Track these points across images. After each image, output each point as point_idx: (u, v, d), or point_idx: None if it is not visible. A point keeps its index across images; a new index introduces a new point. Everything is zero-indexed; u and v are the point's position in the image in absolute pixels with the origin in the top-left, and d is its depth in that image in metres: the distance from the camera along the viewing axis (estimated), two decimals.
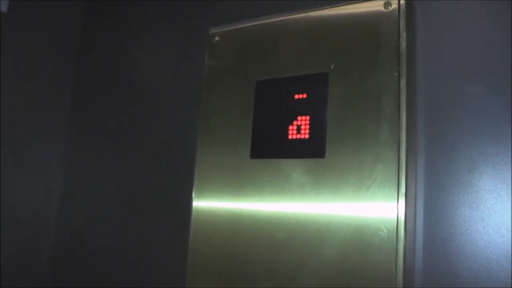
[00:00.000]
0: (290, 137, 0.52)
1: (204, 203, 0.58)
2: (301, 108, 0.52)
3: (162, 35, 0.79)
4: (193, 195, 0.59)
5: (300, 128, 0.51)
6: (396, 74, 0.48)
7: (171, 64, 0.76)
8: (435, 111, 0.52)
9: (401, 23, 0.49)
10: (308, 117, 0.51)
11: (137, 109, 0.78)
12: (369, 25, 0.51)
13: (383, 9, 0.50)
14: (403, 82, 0.48)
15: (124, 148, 0.78)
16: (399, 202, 0.45)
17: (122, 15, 0.86)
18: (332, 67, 0.51)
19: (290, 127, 0.52)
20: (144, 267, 0.71)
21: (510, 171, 0.48)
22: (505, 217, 0.47)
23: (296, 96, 0.53)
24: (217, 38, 0.61)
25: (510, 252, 0.46)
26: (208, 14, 0.73)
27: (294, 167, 0.51)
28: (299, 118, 0.52)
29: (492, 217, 0.48)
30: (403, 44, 0.49)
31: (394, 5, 0.50)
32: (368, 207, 0.47)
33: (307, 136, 0.51)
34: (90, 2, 0.91)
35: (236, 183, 0.55)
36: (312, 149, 0.50)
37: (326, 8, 0.54)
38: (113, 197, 0.77)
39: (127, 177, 0.76)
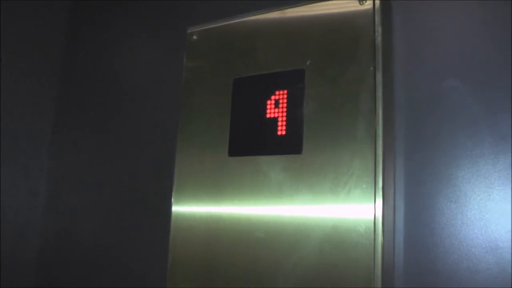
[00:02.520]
0: (267, 133, 0.52)
1: (184, 204, 0.57)
2: (277, 105, 0.52)
3: (145, 35, 0.79)
4: (172, 196, 0.59)
5: (276, 124, 0.51)
6: (371, 68, 0.48)
7: (153, 65, 0.75)
8: (413, 106, 0.53)
9: (376, 17, 0.49)
10: (284, 114, 0.51)
11: (121, 111, 0.78)
12: (344, 20, 0.51)
13: (358, 4, 0.50)
14: (378, 76, 0.48)
15: (108, 149, 0.78)
16: (376, 197, 0.45)
17: (106, 16, 0.85)
18: (308, 63, 0.51)
19: (267, 124, 0.52)
20: (127, 268, 0.70)
21: (487, 164, 0.48)
22: (483, 210, 0.47)
23: (273, 93, 0.52)
24: (195, 37, 0.61)
25: (488, 244, 0.46)
26: (189, 13, 0.72)
27: (272, 164, 0.51)
28: (275, 114, 0.52)
29: (471, 210, 0.48)
30: (379, 39, 0.49)
31: (369, 0, 0.50)
32: (345, 202, 0.46)
33: (284, 132, 0.51)
34: (73, 3, 0.90)
35: (215, 182, 0.55)
36: (289, 145, 0.50)
37: (302, 5, 0.54)
38: (97, 199, 0.77)
39: (110, 178, 0.76)
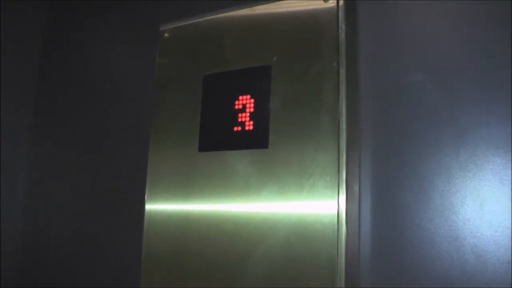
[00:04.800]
0: (235, 129, 0.53)
1: (157, 199, 0.58)
2: (245, 100, 0.53)
3: (118, 33, 0.79)
4: (146, 192, 0.60)
5: (244, 119, 0.52)
6: (335, 64, 0.49)
7: (127, 62, 0.76)
8: (379, 100, 0.54)
9: (340, 15, 0.51)
10: (252, 109, 0.52)
11: (96, 109, 0.78)
12: (309, 18, 0.52)
13: (323, 2, 0.52)
14: (342, 72, 0.49)
15: (85, 147, 0.78)
16: (339, 189, 0.47)
17: (80, 15, 0.86)
18: (274, 59, 0.52)
19: (235, 120, 0.53)
20: (104, 264, 0.71)
21: (449, 156, 0.49)
22: (445, 201, 0.49)
23: (240, 89, 0.54)
24: (166, 35, 0.62)
25: (449, 234, 0.48)
26: (162, 11, 0.73)
27: (240, 158, 0.52)
28: (243, 109, 0.53)
29: (433, 202, 0.49)
30: (342, 35, 0.50)
31: None
32: (310, 194, 0.48)
33: (251, 127, 0.52)
34: (49, 3, 0.91)
35: (186, 178, 0.56)
36: (256, 140, 0.51)
37: (269, 3, 0.55)
38: (74, 197, 0.77)
39: (88, 176, 0.77)
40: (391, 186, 0.51)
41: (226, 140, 0.54)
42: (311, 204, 0.47)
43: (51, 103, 0.85)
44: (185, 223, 0.55)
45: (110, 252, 0.71)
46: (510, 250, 0.45)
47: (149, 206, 0.59)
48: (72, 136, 0.81)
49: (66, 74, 0.84)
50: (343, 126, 0.48)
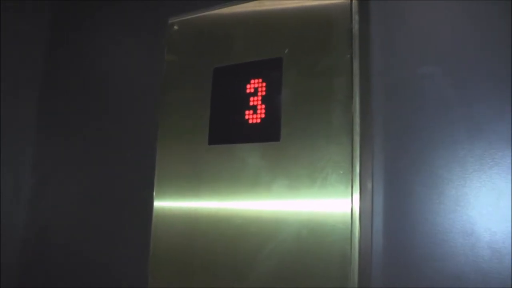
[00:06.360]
0: (245, 122, 0.53)
1: (165, 200, 0.58)
2: (256, 93, 0.52)
3: (126, 26, 0.79)
4: (154, 192, 0.59)
5: (255, 113, 0.52)
6: (348, 56, 0.48)
7: (134, 56, 0.76)
8: (391, 93, 0.53)
9: (353, 6, 0.50)
10: (263, 102, 0.52)
11: (103, 106, 0.78)
12: (321, 9, 0.51)
13: None
14: (356, 64, 0.48)
15: (91, 145, 0.78)
16: (353, 183, 0.46)
17: (86, 9, 0.85)
18: (286, 51, 0.52)
19: (246, 112, 0.53)
20: (110, 264, 0.71)
21: (463, 150, 0.48)
22: (459, 196, 0.48)
23: (251, 81, 0.53)
24: (175, 27, 0.61)
25: (463, 229, 0.47)
26: (167, 4, 0.73)
27: (250, 152, 0.51)
28: (254, 103, 0.52)
29: (447, 196, 0.49)
30: (356, 27, 0.49)
31: None
32: (322, 188, 0.47)
33: (262, 120, 0.51)
34: (52, 2, 0.90)
35: (195, 173, 0.55)
36: (267, 133, 0.50)
37: None
38: (80, 195, 0.77)
39: (94, 175, 0.76)
40: (404, 181, 0.51)
41: (236, 132, 0.53)
42: (324, 199, 0.47)
43: (55, 101, 0.85)
44: (194, 218, 0.54)
45: (116, 251, 0.71)
46: None
47: (158, 203, 0.58)
48: (77, 133, 0.80)
49: (70, 72, 0.84)
50: (357, 119, 0.47)
